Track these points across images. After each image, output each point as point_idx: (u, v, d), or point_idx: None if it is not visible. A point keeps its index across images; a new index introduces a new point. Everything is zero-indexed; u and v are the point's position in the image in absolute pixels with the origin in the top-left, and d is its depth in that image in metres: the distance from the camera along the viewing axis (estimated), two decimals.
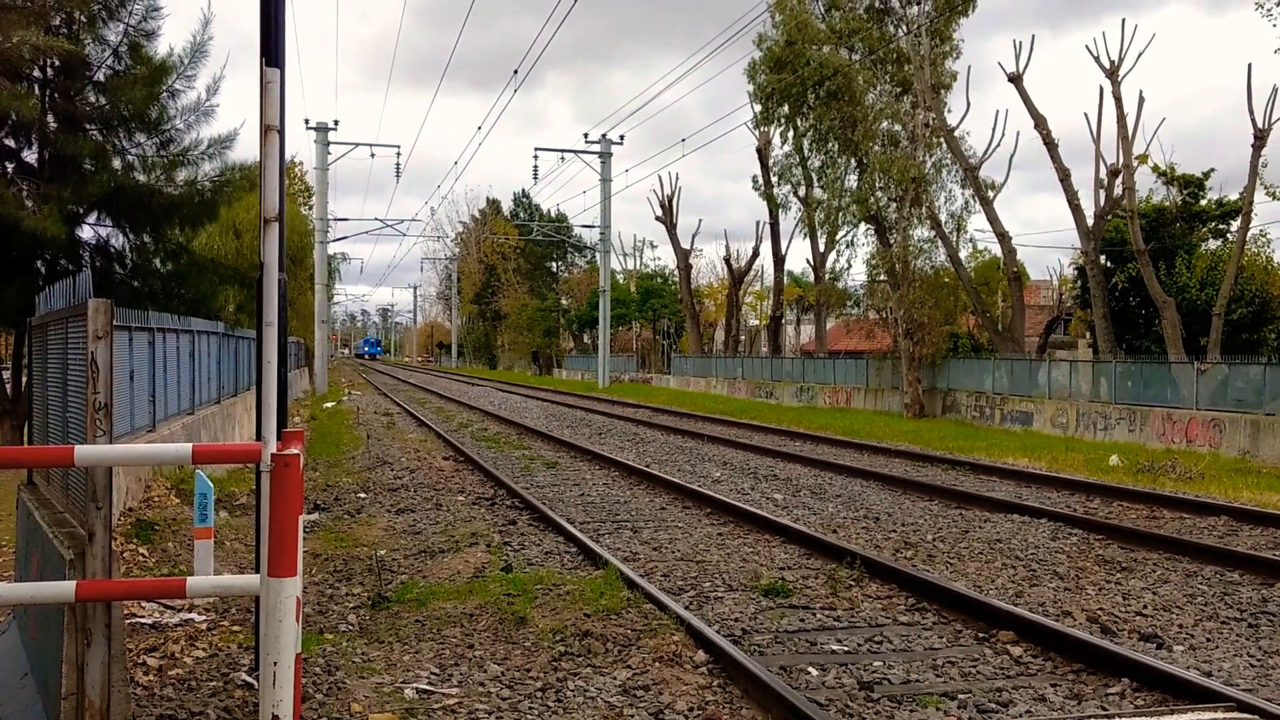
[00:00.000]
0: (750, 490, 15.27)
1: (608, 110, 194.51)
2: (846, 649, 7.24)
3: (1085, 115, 36.89)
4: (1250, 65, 30.71)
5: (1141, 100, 29.58)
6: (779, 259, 52.00)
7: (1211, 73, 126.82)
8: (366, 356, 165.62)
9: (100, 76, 15.85)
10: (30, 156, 15.76)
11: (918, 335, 33.34)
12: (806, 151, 37.95)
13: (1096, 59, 28.64)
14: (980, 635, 7.55)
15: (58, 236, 14.42)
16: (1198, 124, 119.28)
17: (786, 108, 36.34)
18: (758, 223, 54.87)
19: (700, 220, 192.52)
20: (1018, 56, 30.87)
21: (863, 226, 36.63)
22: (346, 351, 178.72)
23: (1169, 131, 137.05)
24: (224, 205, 17.58)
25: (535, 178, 66.22)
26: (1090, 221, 30.48)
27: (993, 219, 33.06)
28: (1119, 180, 29.52)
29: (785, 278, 55.12)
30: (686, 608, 7.96)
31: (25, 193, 14.99)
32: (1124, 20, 39.37)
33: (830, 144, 35.67)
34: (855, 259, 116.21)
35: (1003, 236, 33.36)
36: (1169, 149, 59.20)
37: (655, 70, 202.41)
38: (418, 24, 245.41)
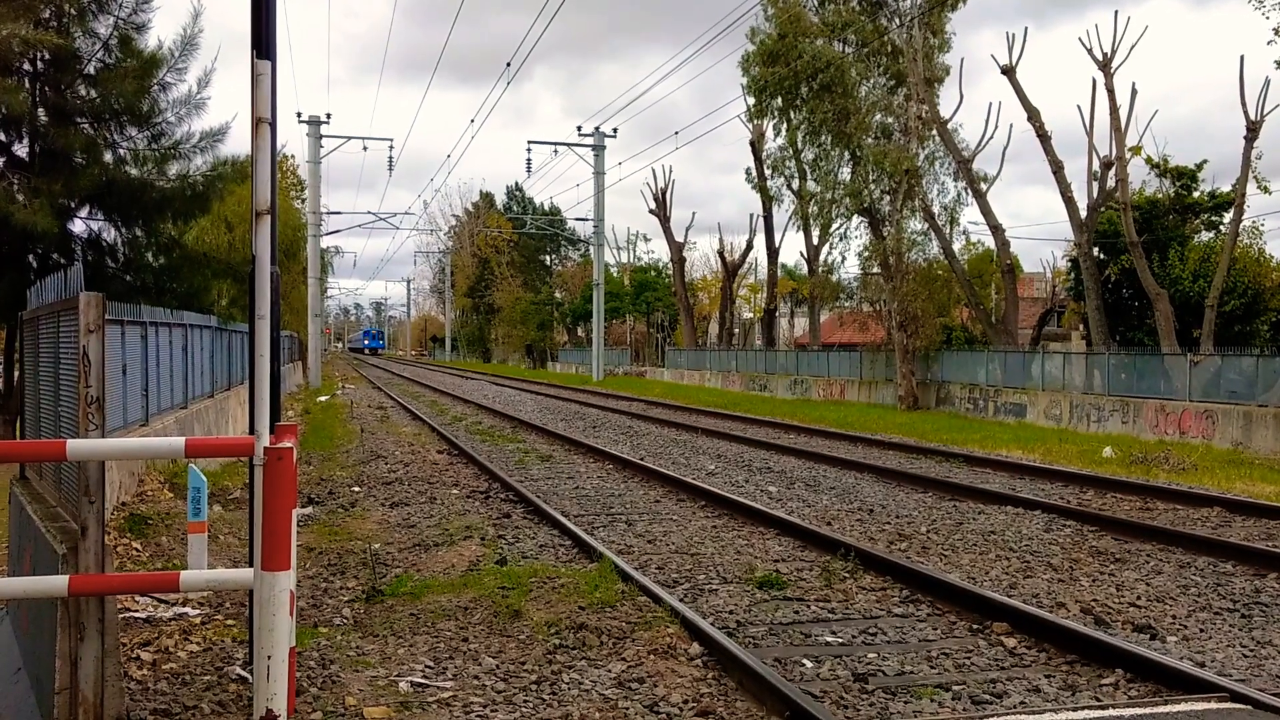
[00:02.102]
0: (745, 483, 15.27)
1: (597, 105, 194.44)
2: (841, 641, 7.24)
3: (1078, 107, 37.06)
4: (1242, 57, 30.86)
5: (1134, 92, 29.67)
6: (773, 252, 52.00)
7: (1198, 66, 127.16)
8: (366, 351, 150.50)
9: (91, 70, 15.78)
10: (21, 150, 15.70)
11: (911, 328, 33.37)
12: (800, 144, 37.95)
13: (1089, 51, 28.65)
14: (974, 627, 7.56)
15: (49, 230, 14.36)
16: (1184, 118, 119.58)
17: (780, 101, 36.32)
18: (751, 215, 54.90)
19: (694, 213, 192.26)
20: (1010, 49, 30.90)
21: (856, 219, 36.68)
22: (340, 345, 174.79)
23: (1160, 124, 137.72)
24: (216, 199, 17.52)
25: (528, 171, 66.08)
26: (1083, 214, 30.51)
27: (986, 211, 33.09)
28: (1112, 172, 29.54)
29: (779, 271, 55.10)
30: (681, 600, 7.96)
31: (16, 186, 14.92)
32: (1116, 12, 39.40)
33: (824, 137, 35.66)
34: (849, 252, 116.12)
35: (996, 229, 33.39)
36: (1162, 141, 59.28)
37: (644, 65, 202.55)
38: (404, 20, 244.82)
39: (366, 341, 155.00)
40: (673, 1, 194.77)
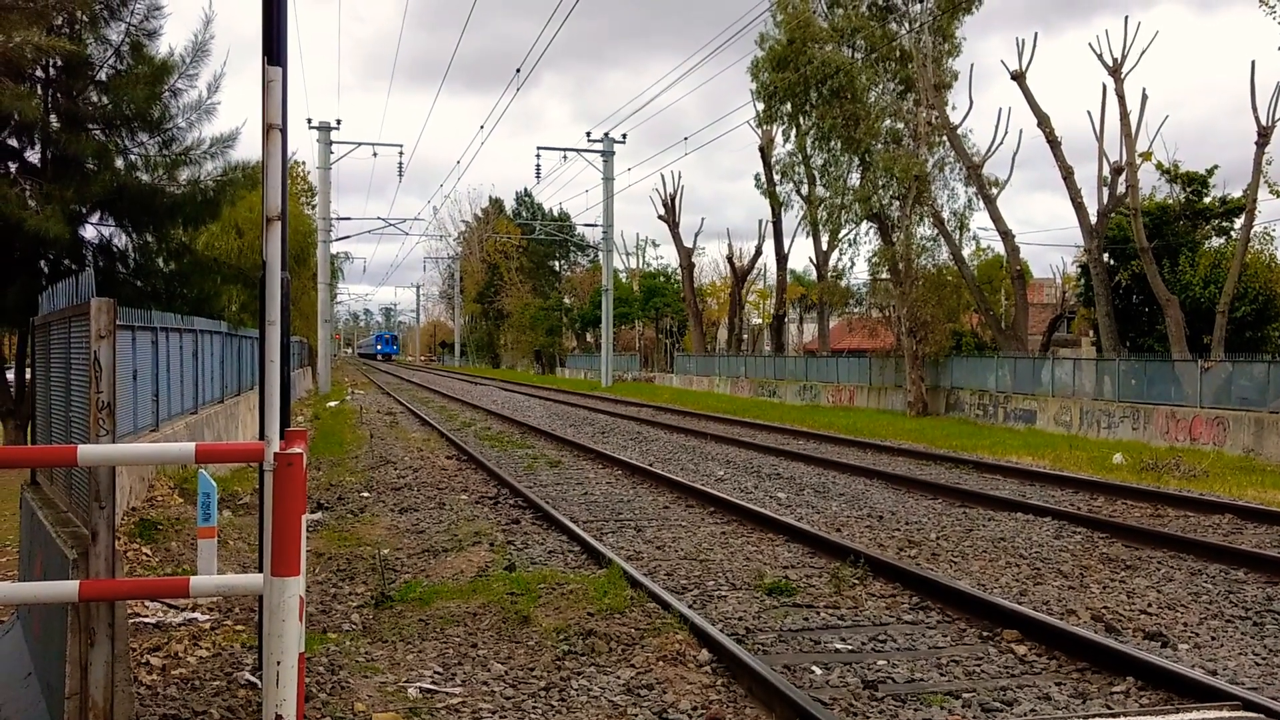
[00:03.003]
0: (753, 489, 15.25)
1: (604, 111, 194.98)
2: (850, 648, 7.22)
3: (1088, 113, 37.02)
4: (1253, 63, 30.74)
5: (1145, 98, 29.48)
6: (782, 257, 51.98)
7: (1206, 72, 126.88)
8: (378, 357, 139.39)
9: (102, 76, 15.86)
10: (33, 156, 15.77)
11: (921, 333, 33.31)
12: (809, 150, 37.93)
13: (1099, 57, 28.60)
14: (985, 634, 7.53)
15: (60, 236, 14.42)
16: (1191, 124, 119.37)
17: (789, 106, 36.30)
18: (760, 221, 55.03)
19: (703, 219, 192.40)
20: (1020, 54, 30.84)
21: (865, 225, 36.64)
22: (350, 350, 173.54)
23: (1169, 129, 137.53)
24: (227, 204, 17.59)
25: (538, 176, 65.82)
26: (1094, 219, 30.43)
27: (996, 217, 33.03)
28: (1122, 178, 29.46)
29: (788, 276, 55.08)
30: (690, 606, 7.95)
31: (28, 192, 15.00)
32: (1126, 18, 39.36)
33: (833, 142, 35.63)
34: (858, 257, 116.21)
35: (1006, 234, 33.32)
36: (1172, 147, 59.07)
37: (651, 71, 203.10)
38: (410, 26, 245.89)
39: (379, 346, 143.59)
40: (677, 8, 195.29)
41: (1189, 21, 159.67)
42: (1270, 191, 27.96)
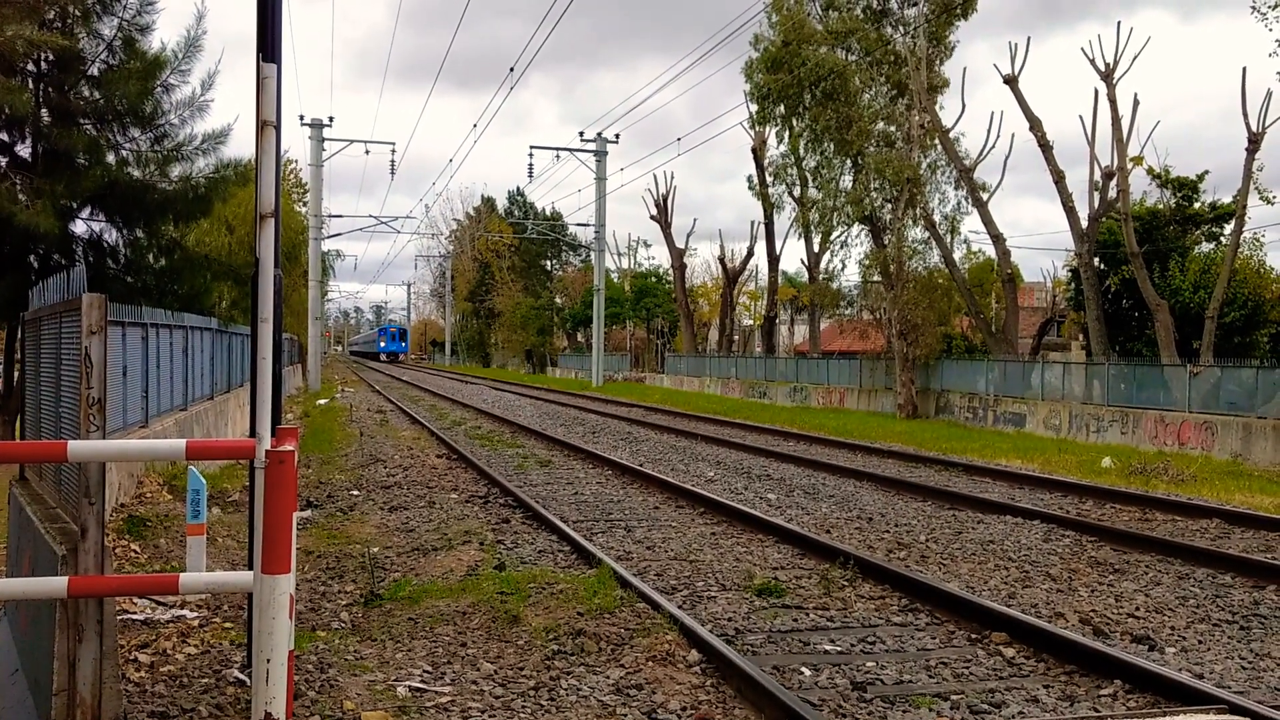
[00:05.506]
0: (744, 490, 15.26)
1: (594, 112, 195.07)
2: (839, 649, 7.24)
3: (1080, 118, 37.08)
4: (1244, 69, 30.82)
5: (1136, 103, 29.58)
6: (773, 259, 52.03)
7: (1194, 79, 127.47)
8: (382, 356, 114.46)
9: (94, 71, 15.78)
10: (24, 151, 15.69)
11: (911, 336, 33.38)
12: (802, 152, 38.00)
13: (1092, 62, 28.71)
14: (973, 636, 7.55)
15: (51, 231, 14.35)
16: (1182, 129, 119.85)
17: (783, 108, 36.38)
18: (752, 222, 54.92)
19: (695, 220, 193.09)
20: (1013, 59, 30.92)
21: (857, 227, 36.73)
22: (340, 348, 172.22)
23: (1159, 134, 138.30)
24: (218, 201, 17.50)
25: (530, 176, 65.97)
26: (1084, 224, 30.54)
27: (987, 220, 33.13)
28: (1113, 182, 29.58)
29: (780, 278, 55.14)
30: (680, 607, 7.95)
31: (18, 187, 14.92)
32: (1119, 23, 39.47)
33: (826, 144, 35.71)
34: (850, 259, 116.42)
35: (997, 238, 33.42)
36: (1163, 152, 59.22)
37: (640, 72, 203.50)
38: (402, 27, 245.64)
39: (383, 343, 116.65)
40: (664, 11, 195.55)
41: (1174, 28, 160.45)
42: (1260, 197, 28.11)
